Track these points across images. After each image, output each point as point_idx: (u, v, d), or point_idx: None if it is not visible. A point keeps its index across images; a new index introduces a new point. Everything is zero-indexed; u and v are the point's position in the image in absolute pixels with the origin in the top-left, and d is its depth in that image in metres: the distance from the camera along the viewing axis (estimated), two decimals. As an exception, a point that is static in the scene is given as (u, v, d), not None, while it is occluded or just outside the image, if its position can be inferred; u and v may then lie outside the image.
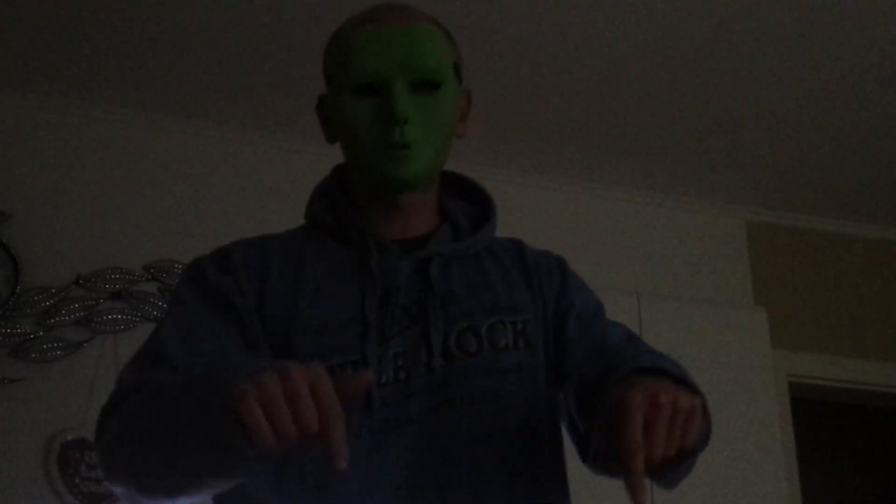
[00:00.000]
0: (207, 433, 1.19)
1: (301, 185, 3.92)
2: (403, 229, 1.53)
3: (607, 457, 1.27)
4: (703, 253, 4.37)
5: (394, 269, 1.48)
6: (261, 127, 3.90)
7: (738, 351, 4.03)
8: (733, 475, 3.76)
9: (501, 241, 1.60)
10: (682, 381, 1.34)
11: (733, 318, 4.06)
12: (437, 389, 1.42)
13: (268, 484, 1.38)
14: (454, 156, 1.61)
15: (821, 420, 5.70)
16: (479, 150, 3.97)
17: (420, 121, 1.47)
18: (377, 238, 1.50)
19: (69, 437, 3.42)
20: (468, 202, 1.62)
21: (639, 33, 3.46)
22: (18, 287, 3.50)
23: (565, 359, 1.51)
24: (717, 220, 4.45)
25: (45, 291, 3.54)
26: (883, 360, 4.43)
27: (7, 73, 3.61)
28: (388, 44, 1.47)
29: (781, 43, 3.51)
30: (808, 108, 3.84)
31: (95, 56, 3.53)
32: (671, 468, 1.27)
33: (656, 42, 3.50)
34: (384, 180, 1.48)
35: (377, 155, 1.47)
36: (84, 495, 3.37)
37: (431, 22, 1.53)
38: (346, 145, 1.55)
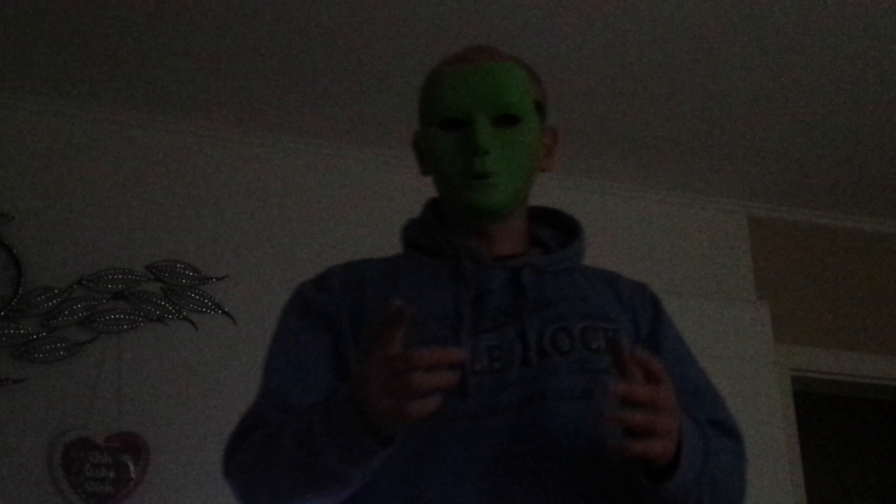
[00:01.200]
0: (337, 435, 1.34)
1: (302, 184, 3.96)
2: (492, 251, 1.63)
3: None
4: (705, 248, 4.37)
5: (487, 276, 1.58)
6: (262, 126, 3.90)
7: (741, 345, 4.02)
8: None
9: (595, 268, 1.70)
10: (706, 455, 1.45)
11: (736, 313, 4.06)
12: (530, 382, 1.50)
13: None
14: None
15: (824, 414, 5.70)
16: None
17: (500, 152, 1.57)
18: (470, 250, 1.60)
19: (73, 437, 3.42)
20: (557, 231, 1.73)
21: (640, 30, 3.45)
22: (21, 288, 3.51)
23: None
24: (719, 216, 4.44)
25: (47, 292, 3.55)
26: (886, 354, 4.43)
27: (9, 75, 3.61)
28: (471, 80, 1.59)
29: (784, 37, 3.51)
30: (810, 103, 3.84)
31: (97, 57, 3.53)
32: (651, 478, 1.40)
33: (658, 39, 3.50)
34: (469, 208, 1.59)
35: (461, 184, 1.59)
36: (88, 495, 3.38)
37: (515, 61, 1.64)
38: (436, 176, 1.66)
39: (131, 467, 3.43)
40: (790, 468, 4.00)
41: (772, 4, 3.35)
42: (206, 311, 3.67)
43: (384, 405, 1.29)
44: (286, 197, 3.92)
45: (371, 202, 3.98)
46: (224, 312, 3.68)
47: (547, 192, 4.26)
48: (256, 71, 3.61)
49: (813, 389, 4.49)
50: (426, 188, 4.38)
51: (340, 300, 1.59)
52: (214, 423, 3.51)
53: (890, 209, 4.54)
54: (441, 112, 1.60)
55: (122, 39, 3.45)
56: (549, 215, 1.76)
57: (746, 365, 3.99)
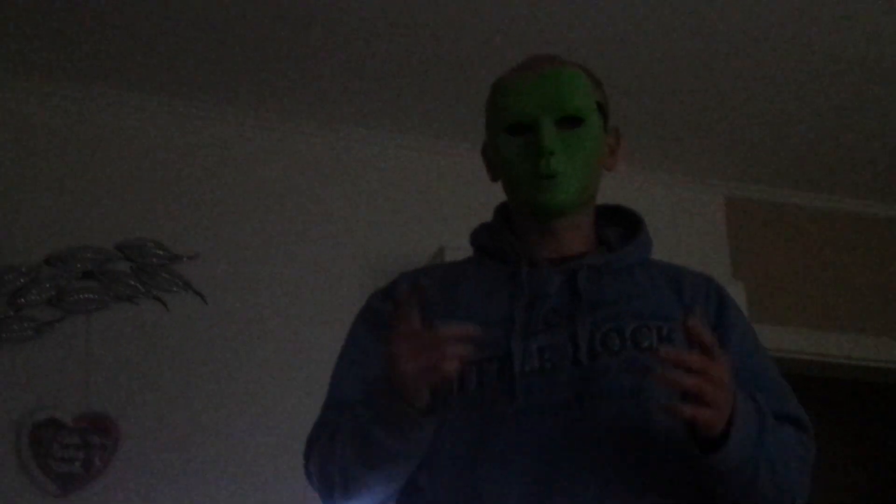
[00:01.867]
0: (380, 411, 1.48)
1: (274, 163, 3.92)
2: (558, 250, 1.69)
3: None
4: (681, 227, 4.36)
5: (544, 280, 1.64)
6: (234, 105, 3.86)
7: (716, 327, 4.02)
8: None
9: (661, 263, 1.76)
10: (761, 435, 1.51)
11: (711, 294, 4.05)
12: (580, 382, 1.55)
13: (425, 460, 1.55)
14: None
15: (799, 394, 5.72)
16: (450, 124, 3.94)
17: (565, 153, 1.64)
18: (529, 254, 1.67)
19: (41, 418, 3.39)
20: (623, 227, 1.80)
21: (616, 6, 3.43)
22: (-13, 267, 3.47)
23: None
24: (695, 195, 4.43)
25: (14, 271, 3.50)
26: (861, 334, 4.43)
27: (-26, 49, 3.56)
28: (535, 86, 1.67)
29: (760, 16, 3.49)
30: (787, 82, 3.82)
31: (65, 33, 3.48)
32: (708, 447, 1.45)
33: (634, 16, 3.47)
34: (536, 207, 1.66)
35: (529, 185, 1.65)
36: (57, 475, 3.35)
37: (576, 66, 1.72)
38: (504, 179, 1.73)
39: (100, 448, 3.41)
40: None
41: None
42: (176, 291, 3.64)
43: (411, 370, 1.42)
44: (258, 176, 3.89)
45: (342, 182, 3.95)
46: (195, 292, 3.66)
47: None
48: (229, 46, 3.57)
49: (788, 369, 4.48)
50: (397, 166, 4.32)
51: None
52: (185, 403, 3.50)
53: (867, 190, 4.54)
54: (508, 118, 1.68)
55: (89, 14, 3.40)
56: (616, 213, 1.83)
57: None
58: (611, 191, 4.30)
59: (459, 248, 2.06)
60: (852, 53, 3.68)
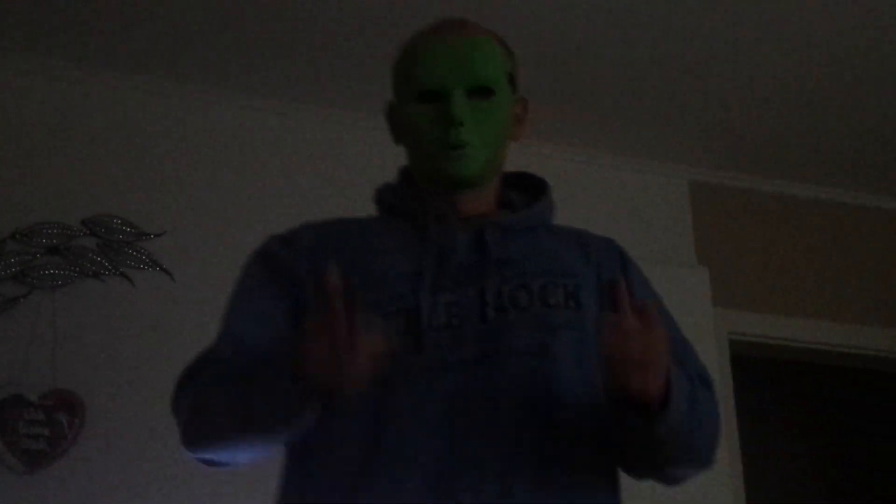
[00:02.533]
0: (271, 390, 1.41)
1: (242, 140, 3.91)
2: (461, 212, 1.67)
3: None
4: (645, 212, 4.38)
5: (452, 235, 1.63)
6: (202, 81, 3.84)
7: (681, 309, 3.99)
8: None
9: (564, 226, 1.75)
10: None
11: (676, 277, 4.08)
12: (487, 338, 1.54)
13: (323, 423, 1.50)
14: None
15: (760, 377, 5.77)
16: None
17: (475, 123, 1.63)
18: (437, 212, 1.65)
19: (5, 395, 3.36)
20: (526, 193, 1.79)
21: (585, -11, 3.44)
22: (-48, 242, 3.44)
23: None
24: (660, 180, 4.46)
25: (-22, 246, 3.47)
26: (823, 319, 4.48)
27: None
28: (447, 54, 1.65)
29: (726, 1, 3.51)
30: (752, 68, 3.84)
31: (31, 6, 3.45)
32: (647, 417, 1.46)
33: (602, 3, 3.49)
34: (444, 177, 1.64)
35: (437, 154, 1.64)
36: (22, 452, 3.33)
37: (488, 35, 1.70)
38: (411, 147, 1.70)
39: (66, 425, 3.38)
40: (725, 431, 4.04)
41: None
42: (143, 268, 3.62)
43: (318, 368, 1.36)
44: (225, 153, 3.88)
45: (311, 158, 3.95)
46: (162, 269, 3.64)
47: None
48: (196, 23, 3.55)
49: (751, 353, 4.53)
50: (358, 142, 4.31)
51: (305, 259, 1.63)
52: (151, 380, 3.48)
53: (830, 176, 4.58)
54: (418, 85, 1.65)
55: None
56: (519, 178, 1.81)
57: (685, 327, 4.00)
58: (573, 175, 4.36)
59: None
60: (820, 40, 3.70)
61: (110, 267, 3.59)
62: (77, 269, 3.55)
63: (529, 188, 1.80)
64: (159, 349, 3.53)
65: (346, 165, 3.97)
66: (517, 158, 4.23)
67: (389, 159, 3.96)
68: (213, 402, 1.51)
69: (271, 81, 3.85)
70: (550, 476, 1.49)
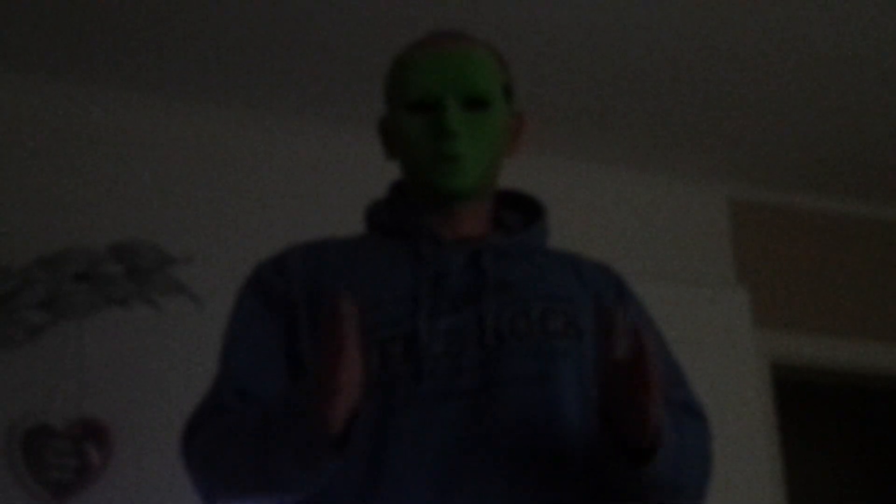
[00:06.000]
0: (289, 438, 1.39)
1: (272, 163, 3.88)
2: (456, 231, 1.65)
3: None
4: (684, 230, 4.32)
5: (447, 258, 1.60)
6: (231, 103, 3.83)
7: (720, 331, 3.98)
8: (715, 460, 3.70)
9: (558, 250, 1.72)
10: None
11: (715, 297, 4.01)
12: (486, 366, 1.52)
13: None
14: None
15: (804, 401, 5.67)
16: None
17: (469, 136, 1.60)
18: (431, 231, 1.62)
19: (32, 424, 3.34)
20: (522, 213, 1.76)
21: (619, 8, 3.39)
22: (-23, 270, 3.43)
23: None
24: (699, 197, 4.39)
25: (5, 273, 3.44)
26: (868, 340, 4.38)
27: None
28: (441, 65, 1.62)
29: (765, 17, 3.46)
30: (792, 83, 3.79)
31: (56, 30, 3.44)
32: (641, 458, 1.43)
33: (638, 18, 3.44)
34: (437, 190, 1.61)
35: (430, 166, 1.60)
36: (50, 483, 3.31)
37: (483, 47, 1.67)
38: (404, 159, 1.66)
39: (94, 455, 3.36)
40: (769, 457, 3.95)
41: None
42: (171, 294, 3.60)
43: (350, 397, 1.35)
44: (255, 177, 3.85)
45: (342, 182, 3.92)
46: (190, 296, 3.61)
47: (521, 172, 4.23)
48: (223, 45, 3.53)
49: (794, 377, 4.44)
50: (395, 168, 4.29)
51: (298, 284, 1.61)
52: (179, 409, 3.45)
53: (873, 192, 4.51)
54: (410, 95, 1.62)
55: (84, 11, 3.36)
56: (515, 199, 1.77)
57: (725, 351, 3.94)
58: (609, 193, 4.31)
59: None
60: (858, 54, 3.64)
61: (138, 293, 3.56)
62: (104, 296, 3.53)
63: (522, 207, 1.76)
64: (187, 377, 3.50)
65: (373, 190, 3.93)
66: (553, 178, 4.23)
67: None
68: (230, 459, 1.48)
69: (303, 105, 3.83)
70: None
